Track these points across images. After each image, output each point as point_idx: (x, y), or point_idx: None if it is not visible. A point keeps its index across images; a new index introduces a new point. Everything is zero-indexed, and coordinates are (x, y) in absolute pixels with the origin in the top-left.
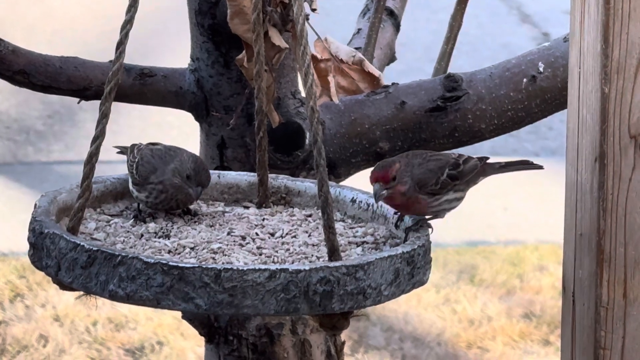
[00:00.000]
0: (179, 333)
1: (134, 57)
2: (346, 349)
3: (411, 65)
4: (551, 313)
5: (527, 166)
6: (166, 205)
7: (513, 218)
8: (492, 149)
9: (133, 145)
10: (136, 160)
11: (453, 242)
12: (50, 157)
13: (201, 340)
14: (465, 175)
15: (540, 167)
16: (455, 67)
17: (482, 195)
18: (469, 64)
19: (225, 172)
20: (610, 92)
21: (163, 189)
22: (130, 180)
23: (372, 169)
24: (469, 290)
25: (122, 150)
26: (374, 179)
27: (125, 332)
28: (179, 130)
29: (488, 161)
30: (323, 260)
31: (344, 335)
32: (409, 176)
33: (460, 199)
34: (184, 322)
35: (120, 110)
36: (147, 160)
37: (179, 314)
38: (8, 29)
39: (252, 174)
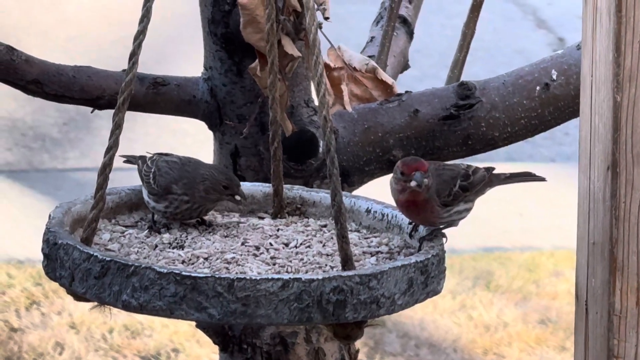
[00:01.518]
0: (195, 340)
1: (149, 63)
2: (362, 356)
3: (426, 71)
4: (567, 319)
5: (530, 178)
6: (186, 216)
7: (529, 224)
8: (508, 154)
9: (142, 156)
10: (152, 170)
11: (469, 249)
12: (66, 165)
13: (217, 347)
14: (475, 186)
15: (543, 179)
16: (471, 73)
17: (497, 201)
18: (484, 69)
19: (241, 183)
20: (622, 100)
21: (189, 200)
22: (145, 191)
23: (394, 169)
24: (485, 296)
25: (130, 159)
26: (412, 169)
27: (141, 340)
28: (194, 138)
29: (494, 172)
30: (337, 270)
31: (360, 342)
32: (433, 177)
33: (469, 210)
34: None
35: (136, 118)
36: (165, 171)
37: None
38: (23, 36)
39: (267, 184)
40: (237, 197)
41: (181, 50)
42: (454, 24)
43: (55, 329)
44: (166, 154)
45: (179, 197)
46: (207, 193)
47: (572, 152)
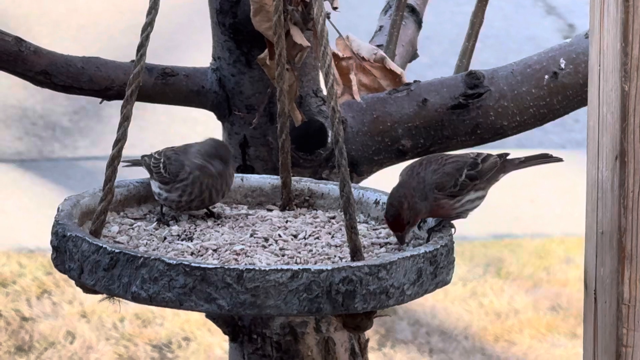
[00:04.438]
0: (206, 329)
1: (159, 52)
2: (373, 343)
3: (437, 58)
4: (578, 306)
5: (546, 160)
6: (199, 200)
7: (539, 211)
8: (518, 141)
9: (144, 155)
10: (161, 160)
11: (479, 236)
12: (76, 153)
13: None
14: (485, 174)
15: (560, 160)
16: (481, 60)
17: (508, 188)
18: (494, 56)
19: (249, 175)
20: (630, 90)
21: (194, 179)
22: (156, 184)
23: (386, 212)
24: (495, 283)
25: (134, 162)
26: (392, 230)
27: (152, 328)
28: (205, 125)
29: (508, 157)
30: (346, 261)
31: (371, 330)
32: (420, 199)
33: (482, 198)
34: None
35: (147, 107)
36: (175, 158)
37: None
38: (33, 25)
39: (275, 176)
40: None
41: (193, 39)
42: (464, 11)
43: (66, 318)
44: (169, 148)
45: (188, 179)
46: (194, 158)
47: (582, 139)
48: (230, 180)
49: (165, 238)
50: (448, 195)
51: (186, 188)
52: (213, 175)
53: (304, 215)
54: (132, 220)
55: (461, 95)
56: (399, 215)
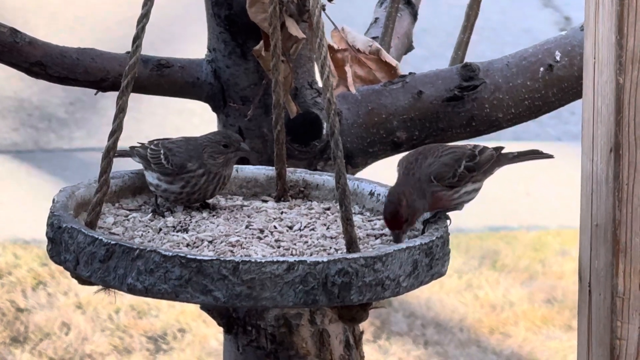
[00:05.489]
0: (202, 320)
1: (155, 43)
2: (369, 335)
3: (433, 51)
4: (573, 298)
5: (538, 156)
6: (203, 192)
7: (535, 203)
8: (515, 134)
9: (134, 146)
10: (160, 152)
11: (475, 228)
12: (72, 145)
13: None
14: (482, 166)
15: (551, 157)
16: (477, 52)
17: (504, 180)
18: (491, 49)
19: (244, 167)
20: (625, 82)
21: (205, 172)
22: (155, 175)
23: (384, 210)
24: (491, 275)
25: (121, 154)
26: (390, 228)
27: (147, 320)
28: (201, 117)
29: (502, 151)
30: (341, 252)
31: (366, 322)
32: (418, 197)
33: (477, 190)
34: None
35: (142, 99)
36: (177, 150)
37: None
38: (30, 17)
39: (270, 167)
40: (242, 150)
41: (188, 30)
42: (461, 3)
43: (61, 309)
44: (164, 139)
45: (196, 172)
46: (213, 159)
47: (578, 131)
48: (229, 171)
49: (160, 229)
50: (447, 185)
51: (191, 180)
52: (218, 171)
53: (299, 206)
54: (127, 212)
55: (456, 88)
56: (397, 213)
